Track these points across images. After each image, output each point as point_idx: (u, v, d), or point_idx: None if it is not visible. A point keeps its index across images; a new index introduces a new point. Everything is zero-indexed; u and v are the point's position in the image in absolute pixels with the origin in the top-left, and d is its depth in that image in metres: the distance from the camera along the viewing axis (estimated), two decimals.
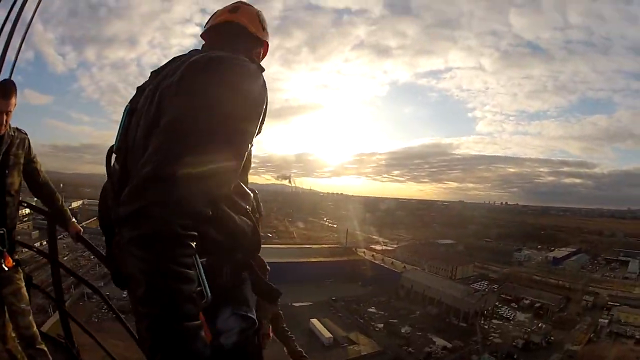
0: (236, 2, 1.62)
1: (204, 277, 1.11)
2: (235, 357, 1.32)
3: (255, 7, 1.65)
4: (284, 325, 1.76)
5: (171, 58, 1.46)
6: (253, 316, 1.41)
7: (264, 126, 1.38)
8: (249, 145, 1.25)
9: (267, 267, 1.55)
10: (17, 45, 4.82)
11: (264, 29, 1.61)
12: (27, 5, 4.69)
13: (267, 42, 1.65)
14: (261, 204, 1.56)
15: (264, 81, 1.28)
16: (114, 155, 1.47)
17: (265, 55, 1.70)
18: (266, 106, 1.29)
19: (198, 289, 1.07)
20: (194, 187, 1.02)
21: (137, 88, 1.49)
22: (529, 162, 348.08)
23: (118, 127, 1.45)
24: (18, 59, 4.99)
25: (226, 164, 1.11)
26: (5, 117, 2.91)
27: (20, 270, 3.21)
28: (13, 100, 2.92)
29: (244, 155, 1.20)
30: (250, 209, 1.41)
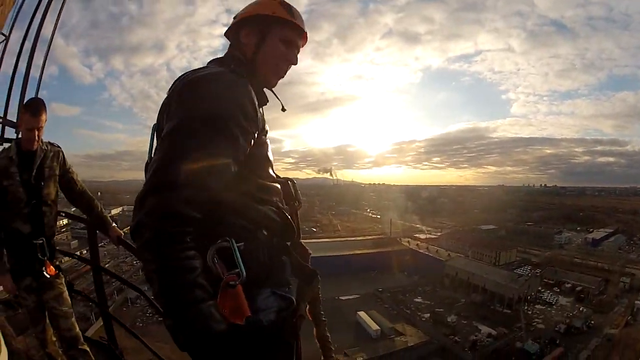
0: None
1: (239, 258, 1.30)
2: (272, 333, 1.43)
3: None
4: (321, 308, 1.90)
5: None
6: (291, 296, 1.53)
7: (265, 125, 1.55)
8: (248, 142, 1.38)
9: (309, 251, 1.69)
10: (41, 63, 5.23)
11: (287, 10, 1.58)
12: (45, 21, 5.11)
13: (296, 22, 1.60)
14: (299, 192, 1.72)
15: (244, 84, 1.38)
16: None
17: (301, 35, 1.65)
18: (255, 107, 1.40)
19: (236, 270, 1.29)
20: (182, 192, 1.16)
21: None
22: (565, 142, 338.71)
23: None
24: (43, 75, 5.46)
25: (213, 166, 1.25)
26: (36, 133, 3.04)
27: (62, 276, 3.31)
28: (43, 117, 3.05)
29: (239, 153, 1.34)
30: (277, 199, 1.56)
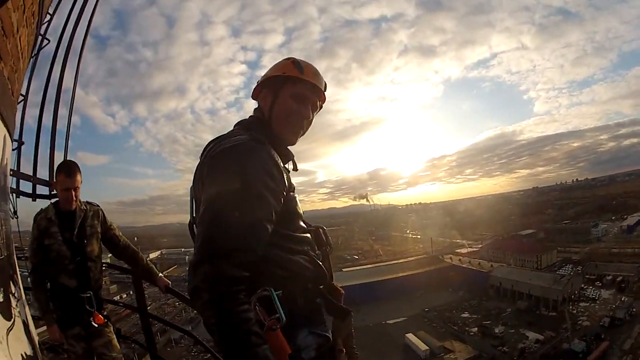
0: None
1: (278, 304, 1.41)
2: None
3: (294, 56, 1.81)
4: (353, 342, 1.83)
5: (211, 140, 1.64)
6: (327, 334, 1.63)
7: (292, 182, 1.66)
8: (278, 201, 1.51)
9: (342, 291, 1.81)
10: (67, 117, 5.28)
11: (297, 68, 1.70)
12: (64, 74, 5.22)
13: (311, 82, 1.72)
14: (329, 237, 1.83)
15: (267, 150, 1.52)
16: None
17: (315, 89, 1.76)
18: (279, 168, 1.53)
19: (276, 315, 1.40)
20: (230, 258, 1.32)
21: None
22: (589, 132, 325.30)
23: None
24: (70, 130, 5.56)
25: (253, 229, 1.40)
26: (73, 193, 3.19)
27: (110, 324, 3.47)
28: (78, 177, 3.20)
29: (272, 212, 1.47)
30: (309, 248, 1.68)
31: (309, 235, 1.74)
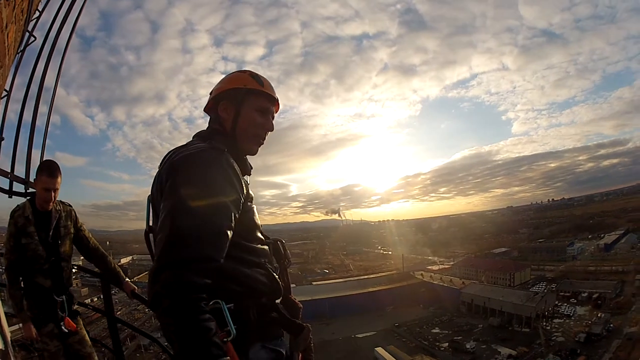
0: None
1: (229, 318, 1.45)
2: None
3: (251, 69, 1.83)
4: (313, 357, 1.86)
5: (168, 151, 1.67)
6: (280, 349, 1.67)
7: (250, 191, 1.67)
8: (237, 209, 1.53)
9: (300, 305, 1.84)
10: (41, 113, 5.26)
11: (257, 81, 1.76)
12: (47, 72, 5.23)
13: (266, 92, 1.77)
14: (288, 252, 1.88)
15: (226, 158, 1.54)
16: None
17: (274, 102, 1.83)
18: (239, 177, 1.56)
19: (226, 329, 1.43)
20: (191, 266, 1.33)
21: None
22: (568, 153, 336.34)
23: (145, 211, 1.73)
24: (49, 129, 5.48)
25: (213, 237, 1.42)
26: (52, 194, 3.24)
27: (80, 320, 3.59)
28: (59, 179, 3.25)
29: (232, 220, 1.49)
30: (265, 260, 1.70)
31: (266, 247, 1.75)
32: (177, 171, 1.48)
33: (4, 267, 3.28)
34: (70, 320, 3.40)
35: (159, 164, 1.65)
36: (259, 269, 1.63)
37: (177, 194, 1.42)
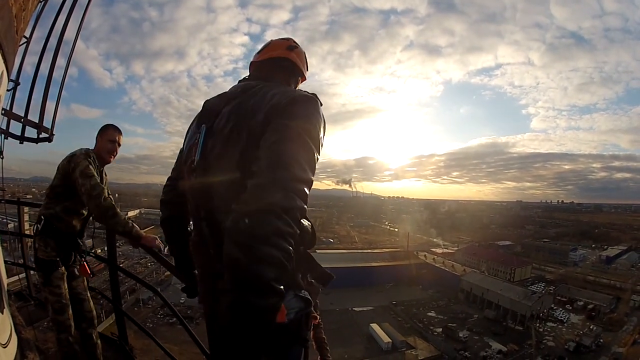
0: (291, 41, 1.94)
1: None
2: (290, 330, 1.56)
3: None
4: (319, 312, 1.80)
5: (241, 85, 1.74)
6: (309, 298, 1.63)
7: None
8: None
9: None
10: (61, 65, 5.21)
11: (307, 68, 1.98)
12: (67, 24, 5.22)
13: (305, 78, 2.01)
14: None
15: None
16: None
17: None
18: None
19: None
20: (300, 199, 1.29)
21: (206, 106, 1.75)
22: (583, 157, 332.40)
23: (186, 141, 1.77)
24: (66, 80, 5.56)
25: (310, 180, 1.38)
26: (117, 147, 3.41)
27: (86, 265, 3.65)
28: (122, 136, 3.40)
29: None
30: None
31: None
32: (295, 106, 1.47)
33: (102, 199, 3.06)
34: (87, 265, 3.56)
35: (231, 91, 1.72)
36: (308, 220, 1.63)
37: (294, 127, 1.41)
